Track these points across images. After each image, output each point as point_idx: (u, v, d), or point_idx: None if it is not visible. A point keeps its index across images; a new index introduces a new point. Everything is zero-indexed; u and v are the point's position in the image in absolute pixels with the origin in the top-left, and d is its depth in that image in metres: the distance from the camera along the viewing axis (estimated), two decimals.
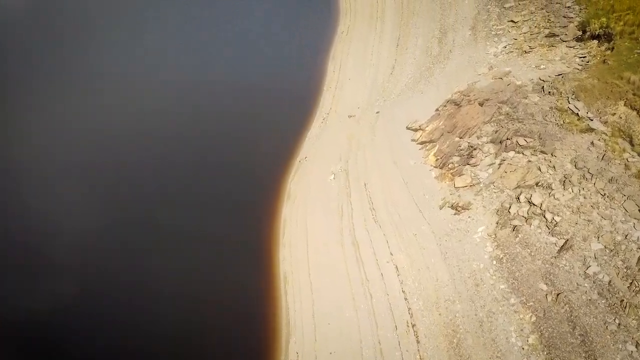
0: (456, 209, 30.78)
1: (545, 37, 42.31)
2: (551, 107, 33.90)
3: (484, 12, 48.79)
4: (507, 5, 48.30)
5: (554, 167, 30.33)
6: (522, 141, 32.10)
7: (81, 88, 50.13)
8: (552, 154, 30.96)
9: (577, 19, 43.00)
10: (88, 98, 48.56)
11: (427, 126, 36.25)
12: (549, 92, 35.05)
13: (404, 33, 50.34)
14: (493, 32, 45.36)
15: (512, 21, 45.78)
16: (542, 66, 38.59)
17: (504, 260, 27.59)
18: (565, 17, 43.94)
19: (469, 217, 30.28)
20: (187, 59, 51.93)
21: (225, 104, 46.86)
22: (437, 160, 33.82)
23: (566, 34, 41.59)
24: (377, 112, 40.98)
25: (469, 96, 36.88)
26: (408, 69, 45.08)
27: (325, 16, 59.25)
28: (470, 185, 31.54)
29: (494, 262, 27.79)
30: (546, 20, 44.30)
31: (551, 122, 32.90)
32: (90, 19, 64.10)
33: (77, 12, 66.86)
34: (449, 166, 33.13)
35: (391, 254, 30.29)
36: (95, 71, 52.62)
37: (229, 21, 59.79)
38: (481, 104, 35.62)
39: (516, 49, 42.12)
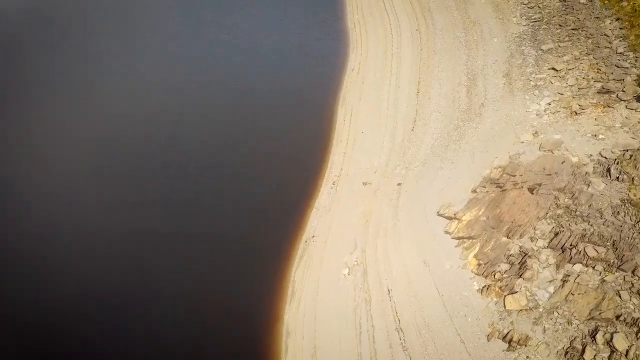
0: (510, 343, 23.17)
1: (598, 93, 34.52)
2: (623, 200, 26.19)
3: (517, 54, 40.91)
4: (545, 47, 40.42)
5: (639, 293, 22.68)
6: (591, 251, 24.41)
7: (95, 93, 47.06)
8: (633, 273, 23.31)
9: (634, 70, 35.22)
10: (97, 103, 45.77)
11: (464, 215, 28.53)
12: (617, 176, 27.33)
13: (425, 76, 42.44)
14: (532, 83, 37.50)
15: (553, 69, 37.90)
16: (600, 135, 30.84)
17: None
18: (618, 66, 36.11)
19: (527, 357, 22.65)
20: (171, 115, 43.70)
21: (221, 160, 39.28)
22: (479, 265, 26.15)
23: (624, 91, 33.81)
24: (399, 185, 33.22)
25: (514, 176, 29.13)
26: (433, 125, 37.23)
27: (334, 48, 51.33)
28: (526, 309, 23.88)
29: None
30: (595, 70, 36.46)
31: (626, 222, 25.20)
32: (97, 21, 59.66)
33: (84, 14, 62.15)
34: (496, 276, 25.46)
35: None
36: (105, 76, 49.31)
37: (229, 48, 51.91)
38: (532, 191, 27.89)
39: (563, 107, 34.32)
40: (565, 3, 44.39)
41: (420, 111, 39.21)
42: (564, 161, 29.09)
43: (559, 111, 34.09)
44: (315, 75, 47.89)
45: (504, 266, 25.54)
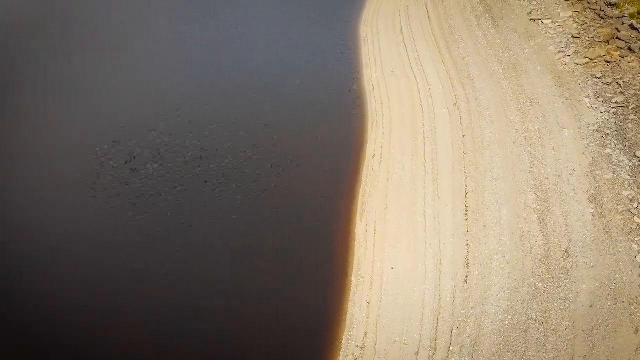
0: None
1: None
2: None
3: (603, 162, 28.11)
4: None
5: None
6: None
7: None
8: None
9: None
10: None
11: None
12: None
13: (475, 185, 29.64)
14: (637, 219, 24.76)
15: None
16: None
17: None
18: None
19: None
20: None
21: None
22: None
23: None
24: None
25: None
26: (496, 280, 24.54)
27: (348, 119, 38.54)
28: None
29: None
30: None
31: None
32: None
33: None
34: None
35: None
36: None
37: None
38: None
39: None
40: None
41: (473, 246, 26.50)
42: None
43: None
44: (325, 160, 35.16)
45: None
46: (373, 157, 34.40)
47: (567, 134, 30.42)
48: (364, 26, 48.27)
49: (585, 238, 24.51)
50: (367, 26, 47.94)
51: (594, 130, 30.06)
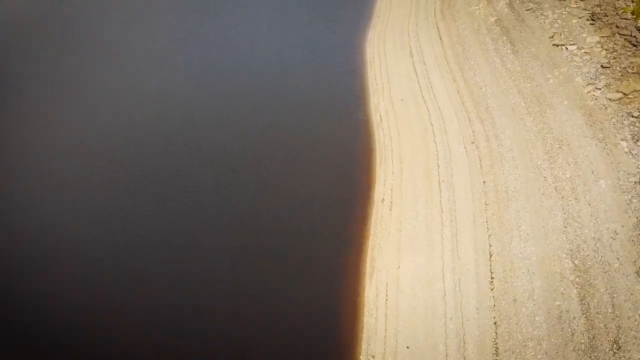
0: None
1: None
2: None
3: None
4: None
5: None
6: None
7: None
8: None
9: None
10: None
11: None
12: None
13: (500, 246, 25.33)
14: None
15: None
16: None
17: None
18: None
19: None
20: None
21: None
22: None
23: None
24: None
25: None
26: None
27: (354, 156, 34.26)
28: None
29: None
30: None
31: None
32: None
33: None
34: None
35: None
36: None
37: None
38: None
39: None
40: None
41: (502, 327, 22.23)
42: None
43: None
44: (331, 201, 30.92)
45: None
46: (382, 202, 30.11)
47: (604, 185, 26.05)
48: (369, 46, 43.81)
49: (638, 325, 20.23)
50: (373, 46, 43.44)
51: (635, 182, 25.69)
